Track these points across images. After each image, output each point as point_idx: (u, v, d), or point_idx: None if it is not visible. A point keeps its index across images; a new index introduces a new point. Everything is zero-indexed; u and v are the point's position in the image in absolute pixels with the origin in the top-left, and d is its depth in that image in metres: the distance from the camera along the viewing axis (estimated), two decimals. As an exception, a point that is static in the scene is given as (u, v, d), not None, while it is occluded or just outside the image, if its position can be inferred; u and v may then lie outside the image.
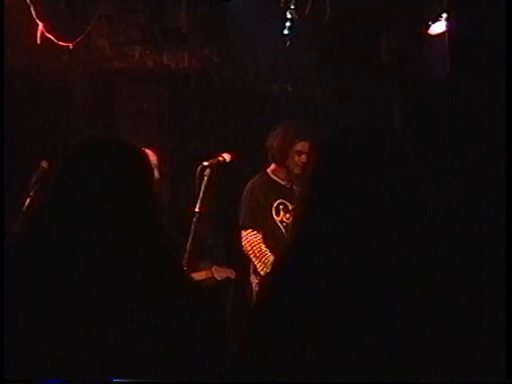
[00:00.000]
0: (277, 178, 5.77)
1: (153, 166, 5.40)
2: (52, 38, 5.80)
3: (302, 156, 5.60)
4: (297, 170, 5.65)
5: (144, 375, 1.74)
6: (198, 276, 5.70)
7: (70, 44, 5.88)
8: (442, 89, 1.76)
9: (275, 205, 5.69)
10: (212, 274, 5.89)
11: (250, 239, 5.66)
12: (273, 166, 5.76)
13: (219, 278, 5.96)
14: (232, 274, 6.04)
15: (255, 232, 5.65)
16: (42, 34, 5.73)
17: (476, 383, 1.43)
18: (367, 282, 1.47)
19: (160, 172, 5.55)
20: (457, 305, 1.45)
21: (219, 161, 5.26)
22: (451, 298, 1.45)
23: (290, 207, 5.72)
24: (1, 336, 1.76)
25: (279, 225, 5.67)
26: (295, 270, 1.59)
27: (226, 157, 5.29)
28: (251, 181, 5.79)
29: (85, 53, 6.27)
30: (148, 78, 6.68)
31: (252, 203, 5.68)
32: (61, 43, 5.87)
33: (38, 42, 5.75)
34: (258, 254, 5.61)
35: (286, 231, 5.64)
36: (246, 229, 5.68)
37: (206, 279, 5.79)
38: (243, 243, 5.70)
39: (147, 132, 6.57)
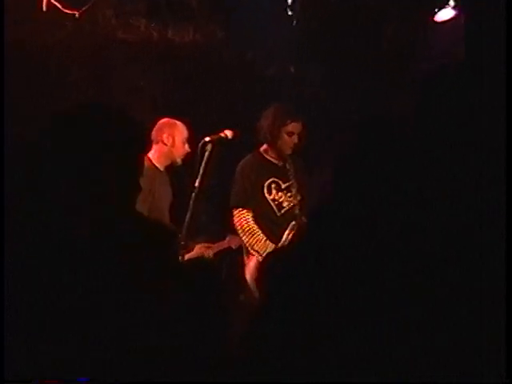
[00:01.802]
0: (269, 157, 5.92)
1: (183, 140, 5.71)
2: (58, 5, 5.90)
3: (293, 137, 5.76)
4: (288, 151, 5.80)
5: (146, 369, 1.77)
6: (190, 255, 5.79)
7: (76, 12, 6.01)
8: (451, 78, 1.84)
9: (267, 183, 5.85)
10: (202, 252, 5.92)
11: (241, 218, 5.80)
12: (265, 145, 5.91)
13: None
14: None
15: (246, 211, 5.80)
16: (48, 1, 5.81)
17: (476, 383, 1.47)
18: (367, 279, 1.53)
19: (190, 147, 5.71)
20: (457, 305, 1.50)
21: (221, 137, 5.52)
22: (451, 298, 1.50)
23: (283, 186, 5.88)
24: (1, 336, 1.75)
25: (271, 203, 5.84)
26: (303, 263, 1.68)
27: (228, 133, 5.56)
28: (244, 159, 5.94)
29: (89, 22, 6.39)
30: (152, 50, 6.78)
31: (244, 182, 5.83)
32: (67, 11, 5.98)
33: (44, 9, 5.81)
34: (248, 233, 5.76)
35: (278, 209, 5.83)
36: (238, 207, 5.83)
37: (198, 257, 5.88)
38: (235, 222, 5.84)
39: (145, 104, 6.68)
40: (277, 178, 5.90)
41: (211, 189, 5.95)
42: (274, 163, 5.93)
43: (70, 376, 1.76)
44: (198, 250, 5.89)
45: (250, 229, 5.78)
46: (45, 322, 1.78)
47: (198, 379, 1.79)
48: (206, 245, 5.96)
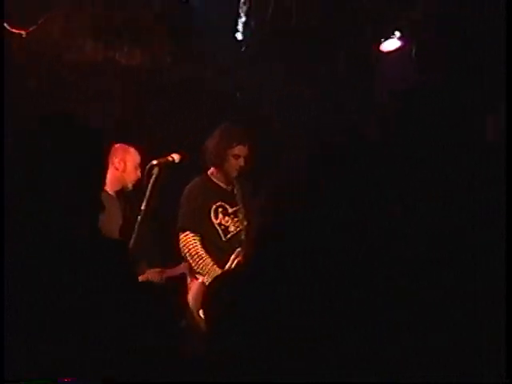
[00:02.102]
0: (217, 181, 5.90)
1: (135, 165, 5.72)
2: (5, 24, 5.87)
3: (239, 160, 5.77)
4: (234, 174, 5.81)
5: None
6: (141, 278, 5.61)
7: (22, 31, 6.00)
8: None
9: (214, 207, 5.82)
10: (153, 277, 5.83)
11: (188, 242, 5.76)
12: (212, 168, 5.89)
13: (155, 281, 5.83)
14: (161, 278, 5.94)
15: (193, 234, 5.76)
16: (-5, 19, 5.74)
17: (476, 383, 1.49)
18: (366, 282, 1.56)
19: (141, 172, 5.68)
20: (457, 305, 1.54)
21: (168, 160, 5.59)
22: (451, 299, 1.54)
23: (230, 210, 5.86)
24: (1, 336, 1.78)
25: (217, 228, 5.81)
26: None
27: (175, 157, 5.61)
28: (191, 183, 5.91)
29: (36, 42, 6.35)
30: (97, 72, 6.77)
31: (191, 205, 5.80)
32: (14, 30, 5.96)
33: None
34: (196, 258, 5.71)
35: (224, 234, 5.81)
36: (184, 231, 5.79)
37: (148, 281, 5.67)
38: (181, 245, 5.80)
39: (91, 126, 6.53)
40: (224, 202, 5.88)
41: (158, 212, 5.91)
42: (221, 187, 5.92)
43: (70, 376, 1.79)
44: (149, 274, 5.83)
45: (196, 253, 5.75)
46: (45, 322, 1.82)
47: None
48: (158, 270, 5.90)
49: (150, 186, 5.47)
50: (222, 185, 5.93)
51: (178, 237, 5.84)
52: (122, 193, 5.88)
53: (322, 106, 6.76)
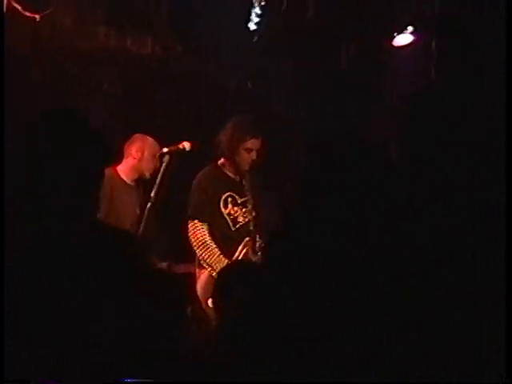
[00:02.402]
0: (227, 171, 5.87)
1: (152, 154, 5.81)
2: (18, 7, 5.88)
3: (252, 153, 5.71)
4: (246, 167, 5.76)
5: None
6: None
7: (36, 15, 5.98)
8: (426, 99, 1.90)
9: (224, 197, 5.81)
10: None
11: (196, 230, 5.74)
12: (223, 159, 5.86)
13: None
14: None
15: (201, 223, 5.73)
16: (9, 2, 5.79)
17: (476, 383, 1.49)
18: (366, 282, 1.57)
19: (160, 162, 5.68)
20: (457, 305, 1.53)
21: (179, 148, 5.61)
22: (451, 299, 1.53)
23: (239, 200, 5.85)
24: (1, 336, 1.78)
25: (226, 217, 5.79)
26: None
27: (186, 145, 5.65)
28: (201, 172, 5.88)
29: (48, 28, 6.35)
30: (109, 59, 6.76)
31: (201, 194, 5.76)
32: (27, 13, 5.94)
33: (4, 10, 5.74)
34: (202, 246, 5.70)
35: (233, 224, 5.79)
36: (193, 219, 5.75)
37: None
38: (189, 234, 5.77)
39: (101, 114, 6.61)
40: (233, 192, 5.87)
41: (168, 200, 5.96)
42: (231, 178, 5.91)
43: (70, 376, 1.80)
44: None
45: (204, 242, 5.73)
46: (45, 322, 1.82)
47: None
48: (166, 264, 5.95)
49: (160, 173, 5.51)
50: (231, 175, 5.91)
51: (187, 225, 5.82)
52: (140, 182, 5.95)
53: (332, 103, 6.75)
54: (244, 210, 5.86)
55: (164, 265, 5.87)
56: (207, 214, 5.76)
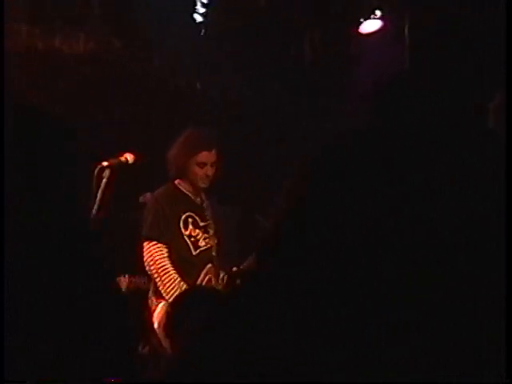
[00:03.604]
0: (185, 190, 5.61)
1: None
2: None
3: (205, 168, 5.45)
4: (202, 184, 5.51)
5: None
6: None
7: None
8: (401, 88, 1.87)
9: (184, 217, 5.54)
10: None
11: (153, 253, 5.46)
12: (178, 179, 5.59)
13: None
14: (130, 284, 5.83)
15: (160, 245, 5.44)
16: None
17: (476, 383, 1.53)
18: (365, 281, 1.58)
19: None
20: (456, 304, 1.56)
21: (120, 161, 5.20)
22: (451, 298, 1.56)
23: (200, 224, 5.59)
24: (1, 336, 1.86)
25: (187, 239, 5.52)
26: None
27: (129, 157, 5.21)
28: (157, 191, 5.63)
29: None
30: (36, 62, 6.55)
31: (157, 212, 5.50)
32: None
33: None
34: (161, 272, 5.42)
35: (194, 248, 5.53)
36: (150, 240, 5.46)
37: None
38: (145, 257, 5.48)
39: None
40: (194, 213, 5.58)
41: (113, 220, 5.70)
42: (190, 198, 5.61)
43: (70, 376, 1.88)
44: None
45: (162, 266, 5.41)
46: (45, 321, 1.89)
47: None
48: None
49: (100, 190, 5.07)
50: (190, 195, 5.62)
51: (142, 247, 5.50)
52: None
53: (295, 102, 6.58)
54: (205, 234, 5.58)
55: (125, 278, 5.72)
56: (165, 234, 5.46)
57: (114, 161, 5.18)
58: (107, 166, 5.11)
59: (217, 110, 6.67)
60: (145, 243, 5.49)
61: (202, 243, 5.56)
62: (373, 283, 1.56)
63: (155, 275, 5.43)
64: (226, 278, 5.55)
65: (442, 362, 1.53)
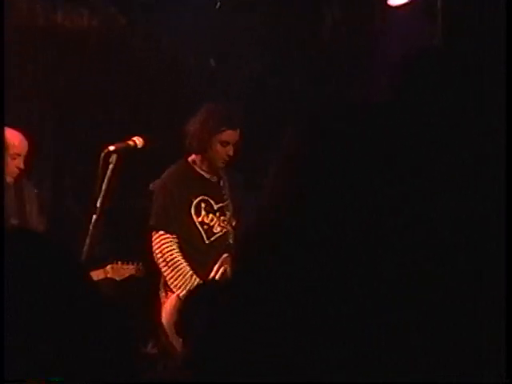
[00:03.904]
0: (199, 169, 5.36)
1: (10, 154, 5.41)
2: None
3: (228, 147, 5.21)
4: (221, 163, 5.27)
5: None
6: (95, 275, 5.26)
7: None
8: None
9: (195, 202, 5.32)
10: (107, 273, 5.47)
11: (162, 244, 5.27)
12: (194, 155, 5.36)
13: (118, 279, 5.47)
14: (138, 271, 5.51)
15: (168, 235, 5.22)
16: None
17: (476, 383, 1.56)
18: (362, 279, 1.58)
19: (25, 163, 5.23)
20: (456, 304, 1.58)
21: (128, 145, 5.06)
22: (451, 298, 1.58)
23: (215, 206, 5.35)
24: (1, 336, 1.86)
25: (199, 227, 5.27)
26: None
27: (138, 141, 5.06)
28: (167, 171, 5.40)
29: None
30: (37, 37, 6.34)
31: (166, 198, 5.28)
32: None
33: None
34: (171, 264, 5.23)
35: (208, 236, 5.28)
36: (158, 230, 5.25)
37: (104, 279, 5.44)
38: (153, 248, 5.29)
39: (27, 106, 6.29)
40: (208, 196, 5.34)
41: (120, 210, 5.63)
42: (205, 178, 5.37)
43: (71, 376, 1.88)
44: (107, 270, 5.42)
45: (172, 259, 5.20)
46: (45, 321, 1.89)
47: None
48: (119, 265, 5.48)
49: (107, 177, 4.95)
50: (205, 175, 5.37)
51: (151, 238, 5.30)
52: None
53: (317, 77, 6.29)
54: (222, 218, 5.33)
55: (108, 268, 5.46)
56: (175, 222, 5.25)
57: (121, 145, 5.05)
58: (114, 151, 4.97)
59: (233, 88, 6.42)
60: (152, 233, 5.28)
61: (216, 229, 5.31)
62: (371, 282, 1.58)
63: (164, 268, 5.24)
64: None
65: (442, 362, 1.55)
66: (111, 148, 5.02)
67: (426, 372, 1.54)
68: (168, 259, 5.22)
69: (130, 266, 5.51)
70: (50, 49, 6.43)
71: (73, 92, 6.44)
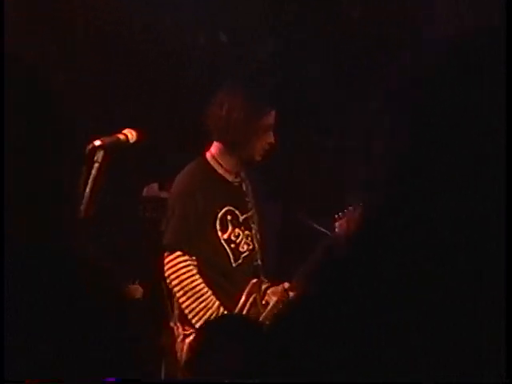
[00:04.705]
0: (220, 169, 4.67)
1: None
2: None
3: (268, 133, 4.57)
4: (259, 156, 4.60)
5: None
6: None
7: None
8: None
9: (221, 214, 4.61)
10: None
11: (179, 268, 4.60)
12: (214, 148, 4.65)
13: None
14: (136, 292, 5.08)
15: (187, 257, 4.54)
16: None
17: (476, 383, 1.57)
18: (364, 281, 1.62)
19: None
20: (456, 304, 1.59)
21: (118, 140, 4.64)
22: (451, 298, 1.59)
23: (241, 218, 4.71)
24: (1, 336, 1.89)
25: (225, 246, 4.59)
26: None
27: (130, 135, 4.63)
28: (183, 172, 4.70)
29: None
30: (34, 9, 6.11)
31: (187, 211, 4.57)
32: None
33: None
34: (191, 293, 4.57)
35: (235, 257, 4.61)
36: (174, 250, 4.55)
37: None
38: (167, 273, 4.60)
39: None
40: (233, 205, 4.67)
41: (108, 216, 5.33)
42: (227, 180, 4.71)
43: (71, 376, 1.91)
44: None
45: (194, 287, 4.54)
46: (45, 321, 1.90)
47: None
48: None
49: (91, 179, 4.53)
50: (227, 176, 4.67)
51: (163, 260, 4.65)
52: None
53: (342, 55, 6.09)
54: (246, 232, 4.67)
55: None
56: (197, 241, 4.55)
57: (109, 139, 4.64)
58: (100, 146, 4.54)
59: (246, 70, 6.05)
60: (166, 255, 4.60)
61: (243, 247, 4.64)
62: (371, 282, 1.60)
63: (182, 299, 4.55)
64: (274, 299, 4.59)
65: (442, 362, 1.56)
66: (97, 143, 4.54)
67: (425, 372, 1.56)
68: (188, 287, 4.54)
69: (135, 287, 5.17)
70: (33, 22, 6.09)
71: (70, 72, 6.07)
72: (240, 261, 4.64)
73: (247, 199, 4.68)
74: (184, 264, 4.54)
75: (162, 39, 6.32)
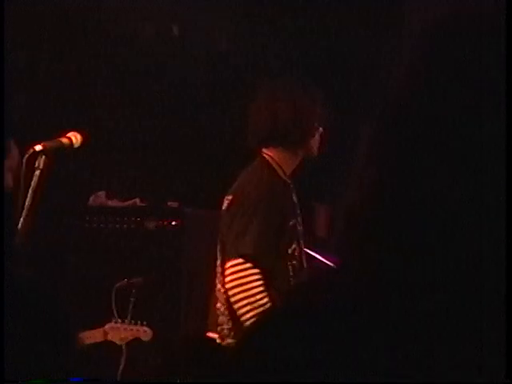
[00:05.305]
0: (283, 175, 4.37)
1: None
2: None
3: (320, 130, 4.41)
4: (317, 150, 4.40)
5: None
6: (92, 338, 4.99)
7: None
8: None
9: (291, 225, 4.32)
10: (107, 334, 5.14)
11: (246, 278, 4.15)
12: (272, 152, 4.37)
13: (119, 343, 5.12)
14: (145, 334, 5.12)
15: (257, 271, 4.15)
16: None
17: (476, 383, 1.54)
18: (363, 281, 1.62)
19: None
20: (457, 304, 1.56)
21: (62, 144, 4.45)
22: (451, 297, 1.56)
23: (299, 228, 4.37)
24: (1, 336, 1.98)
25: (288, 261, 4.28)
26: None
27: (74, 138, 4.46)
28: (248, 176, 4.37)
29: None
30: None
31: (267, 218, 4.22)
32: None
33: None
34: (257, 308, 4.09)
35: (294, 273, 4.25)
36: (246, 260, 4.14)
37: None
38: (230, 284, 4.18)
39: None
40: (294, 211, 4.38)
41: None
42: (287, 183, 4.38)
43: (71, 376, 2.01)
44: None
45: (260, 304, 4.08)
46: (45, 321, 2.03)
47: None
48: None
49: (31, 187, 4.29)
50: (286, 178, 4.39)
51: (223, 265, 4.29)
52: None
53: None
54: (300, 241, 4.37)
55: (107, 328, 5.14)
56: (269, 253, 4.18)
57: (51, 143, 4.42)
58: (41, 151, 4.33)
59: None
60: (230, 260, 4.20)
61: (296, 259, 4.31)
62: (370, 282, 1.58)
63: (246, 316, 4.14)
64: None
65: (442, 362, 1.53)
66: (37, 147, 4.30)
67: (425, 372, 1.53)
68: (254, 302, 4.13)
69: (135, 327, 5.13)
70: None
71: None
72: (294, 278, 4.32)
73: (296, 200, 4.41)
74: (253, 275, 4.15)
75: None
